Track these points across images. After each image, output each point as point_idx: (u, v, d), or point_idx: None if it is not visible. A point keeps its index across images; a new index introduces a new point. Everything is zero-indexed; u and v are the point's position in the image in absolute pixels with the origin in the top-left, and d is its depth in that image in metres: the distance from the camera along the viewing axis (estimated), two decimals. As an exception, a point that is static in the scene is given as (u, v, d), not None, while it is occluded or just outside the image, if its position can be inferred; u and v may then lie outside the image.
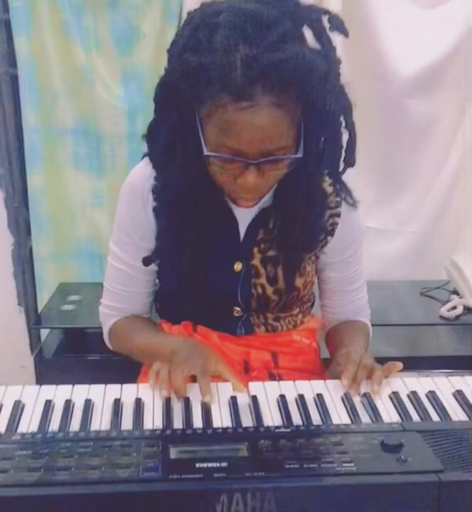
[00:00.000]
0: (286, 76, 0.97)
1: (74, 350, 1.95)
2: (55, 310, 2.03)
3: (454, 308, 1.96)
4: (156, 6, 2.11)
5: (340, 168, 1.16)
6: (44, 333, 2.19)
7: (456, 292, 2.05)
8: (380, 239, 2.31)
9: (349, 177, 1.22)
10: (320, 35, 1.04)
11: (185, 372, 1.10)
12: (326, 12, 1.06)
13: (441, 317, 1.95)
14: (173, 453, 0.89)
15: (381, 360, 1.19)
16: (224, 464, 0.86)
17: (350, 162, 1.15)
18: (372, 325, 1.44)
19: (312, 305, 1.45)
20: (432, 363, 1.76)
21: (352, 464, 0.86)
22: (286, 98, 0.99)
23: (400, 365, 1.17)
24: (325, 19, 1.05)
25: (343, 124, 1.11)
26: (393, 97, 2.16)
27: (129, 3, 2.11)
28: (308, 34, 1.05)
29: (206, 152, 1.05)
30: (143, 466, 0.85)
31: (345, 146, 1.13)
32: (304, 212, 1.21)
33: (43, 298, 2.35)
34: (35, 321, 2.35)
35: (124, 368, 1.35)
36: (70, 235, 2.38)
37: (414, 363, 1.68)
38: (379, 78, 2.15)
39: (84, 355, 1.90)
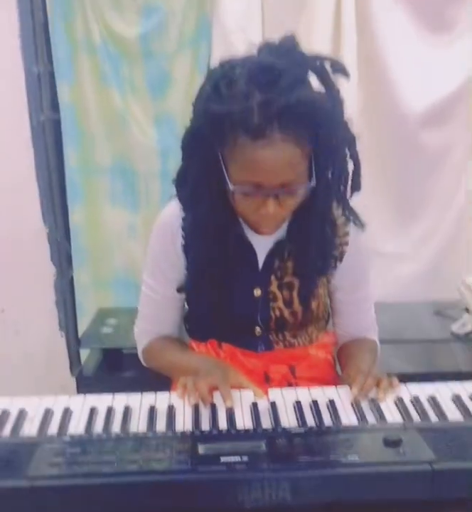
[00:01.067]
0: (298, 115, 1.09)
1: (112, 369, 2.03)
2: (94, 333, 2.12)
3: (465, 325, 2.00)
4: (186, 54, 2.23)
5: (348, 195, 1.26)
6: (84, 356, 2.29)
7: (467, 310, 2.07)
8: (397, 262, 2.35)
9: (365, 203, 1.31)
10: (324, 79, 1.15)
11: (209, 381, 1.19)
12: (328, 58, 1.17)
13: (453, 334, 1.99)
14: (201, 449, 0.97)
15: (397, 377, 1.25)
16: (245, 458, 0.95)
17: (356, 187, 1.25)
18: (387, 342, 1.50)
19: (327, 322, 1.51)
20: (445, 379, 1.80)
21: (356, 457, 0.95)
22: (298, 135, 1.10)
23: (395, 381, 1.23)
24: (328, 65, 1.16)
25: (348, 154, 1.22)
26: (407, 130, 2.25)
27: (161, 52, 2.23)
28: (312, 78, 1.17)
29: (231, 187, 1.16)
30: (175, 460, 0.94)
31: (351, 174, 1.23)
32: (315, 243, 1.30)
33: (83, 324, 2.43)
34: (75, 342, 2.44)
35: (158, 384, 1.38)
36: (107, 265, 2.48)
37: (427, 379, 1.76)
38: (394, 112, 2.24)
39: (122, 374, 1.99)
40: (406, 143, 2.27)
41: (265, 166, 1.11)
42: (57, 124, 2.34)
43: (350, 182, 1.24)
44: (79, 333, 2.47)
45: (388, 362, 1.53)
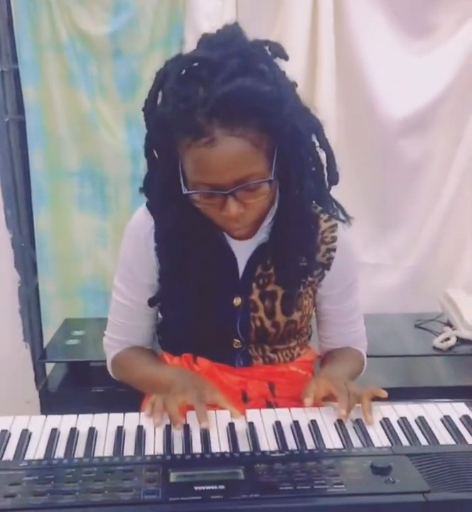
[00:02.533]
0: (237, 107, 1.05)
1: (78, 384, 1.96)
2: (60, 345, 2.06)
3: (447, 339, 1.98)
4: (157, 54, 2.18)
5: (326, 188, 1.22)
6: (49, 367, 2.21)
7: (449, 324, 2.07)
8: (376, 273, 2.34)
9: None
10: (266, 64, 1.11)
11: (180, 401, 1.13)
12: (267, 42, 1.13)
13: (435, 348, 1.97)
14: (173, 477, 0.91)
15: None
16: (221, 487, 0.88)
17: (333, 180, 1.21)
18: (369, 356, 1.45)
19: (309, 338, 1.47)
20: (427, 393, 1.78)
21: (343, 486, 0.89)
22: (245, 128, 1.06)
23: (384, 393, 1.19)
24: (267, 49, 1.13)
25: (318, 144, 1.18)
26: (386, 138, 2.23)
27: (132, 52, 2.19)
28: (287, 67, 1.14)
29: (184, 191, 1.13)
30: (144, 490, 0.88)
31: (325, 165, 1.19)
32: (295, 244, 1.25)
33: (49, 334, 2.37)
34: (40, 355, 2.38)
35: (127, 400, 1.37)
36: (75, 273, 2.42)
37: (409, 394, 1.72)
38: (373, 119, 2.22)
39: (88, 388, 1.92)
40: (385, 151, 2.26)
41: (212, 166, 1.07)
42: (22, 126, 2.30)
43: (325, 174, 1.21)
44: (45, 345, 2.41)
45: (367, 376, 1.46)
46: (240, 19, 2.10)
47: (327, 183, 1.22)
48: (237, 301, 1.31)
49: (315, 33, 2.15)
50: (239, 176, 1.08)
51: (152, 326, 1.42)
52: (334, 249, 1.31)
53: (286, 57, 1.15)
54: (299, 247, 1.26)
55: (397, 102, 2.20)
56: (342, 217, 1.29)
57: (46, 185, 2.32)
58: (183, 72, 1.10)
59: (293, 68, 2.10)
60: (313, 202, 1.27)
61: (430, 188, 2.32)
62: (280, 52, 1.14)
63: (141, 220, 1.31)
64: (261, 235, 1.29)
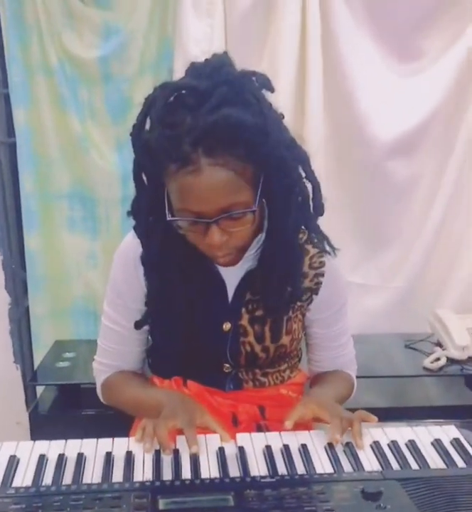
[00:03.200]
0: (222, 137, 1.05)
1: (69, 406, 1.96)
2: (50, 367, 2.05)
3: (438, 359, 1.97)
4: (147, 77, 2.18)
5: (312, 218, 1.21)
6: (39, 389, 2.21)
7: (439, 344, 2.06)
8: (365, 294, 2.33)
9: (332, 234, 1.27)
10: (252, 95, 1.10)
11: (170, 425, 1.12)
12: (254, 73, 1.14)
13: (425, 368, 1.96)
14: (162, 504, 0.91)
15: (369, 411, 1.20)
16: None
17: (318, 211, 1.21)
18: (359, 377, 1.45)
19: (299, 360, 1.47)
20: (417, 414, 1.79)
21: None
22: (230, 158, 1.06)
23: (374, 418, 1.18)
24: (254, 79, 1.13)
25: (303, 175, 1.17)
26: (374, 159, 2.23)
27: (122, 76, 2.18)
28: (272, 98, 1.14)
29: (168, 218, 1.13)
30: None
31: (311, 196, 1.19)
32: (280, 271, 1.25)
33: (39, 355, 2.35)
34: (31, 377, 2.37)
35: (118, 423, 1.37)
36: (65, 294, 2.40)
37: (400, 414, 1.72)
38: (360, 141, 2.22)
39: (79, 411, 1.92)
40: (373, 173, 2.26)
41: (196, 194, 1.07)
42: (12, 148, 2.28)
43: (311, 204, 1.21)
44: (35, 366, 2.39)
45: (357, 396, 1.46)
46: (229, 44, 2.14)
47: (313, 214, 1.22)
48: (227, 326, 1.31)
49: (304, 56, 2.15)
50: (223, 205, 1.09)
51: (142, 351, 1.41)
52: (322, 275, 1.32)
53: (271, 90, 1.15)
54: (285, 274, 1.26)
55: (386, 125, 2.20)
56: (327, 248, 1.28)
57: (37, 207, 2.31)
58: (171, 99, 1.10)
59: (282, 90, 2.10)
60: (303, 228, 1.26)
61: (418, 208, 2.32)
62: (267, 83, 1.14)
63: (130, 244, 1.30)
64: (250, 262, 1.29)
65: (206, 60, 1.14)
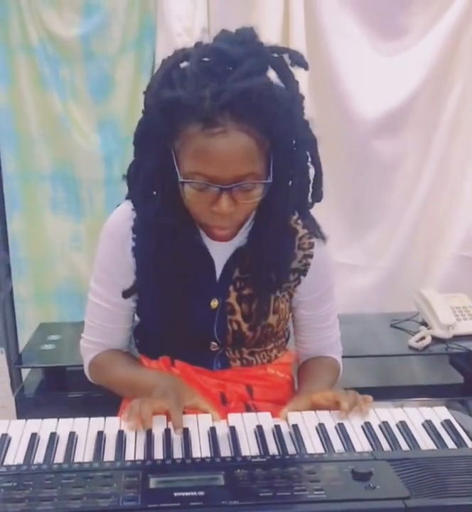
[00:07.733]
0: (252, 105, 1.05)
1: (55, 389, 1.94)
2: (35, 350, 2.03)
3: (423, 338, 1.98)
4: (129, 56, 2.18)
5: (308, 203, 1.22)
6: (25, 372, 2.19)
7: (424, 323, 2.07)
8: (351, 274, 2.34)
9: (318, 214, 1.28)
10: (282, 71, 1.12)
11: (157, 406, 1.12)
12: (287, 50, 1.14)
13: (410, 347, 1.96)
14: (153, 483, 0.90)
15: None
16: (201, 493, 0.88)
17: (317, 197, 1.21)
18: (345, 357, 1.46)
19: (287, 340, 1.47)
20: (403, 393, 1.80)
21: (323, 492, 0.88)
22: (254, 127, 1.07)
23: (369, 398, 1.20)
24: (286, 57, 1.13)
25: (309, 159, 1.17)
26: (359, 138, 2.24)
27: (103, 54, 2.17)
28: (272, 75, 1.13)
29: (181, 179, 1.11)
30: (123, 496, 0.87)
31: (312, 181, 1.19)
32: (271, 252, 1.25)
33: (24, 338, 2.34)
34: (16, 360, 2.35)
35: (104, 405, 1.35)
36: (49, 276, 2.40)
37: (386, 393, 1.73)
38: (345, 120, 2.23)
39: (65, 393, 1.90)
40: (358, 152, 2.26)
41: (217, 156, 1.07)
42: None
43: (310, 190, 1.20)
44: (20, 349, 2.37)
45: (344, 376, 1.46)
46: (212, 20, 2.12)
47: (310, 199, 1.22)
48: (214, 303, 1.30)
49: (287, 35, 2.15)
50: (239, 173, 1.09)
51: (129, 329, 1.40)
52: (311, 256, 1.32)
53: (305, 67, 1.15)
54: (275, 253, 1.26)
55: (369, 103, 2.21)
56: (317, 233, 1.29)
57: (18, 187, 2.29)
58: (206, 59, 1.09)
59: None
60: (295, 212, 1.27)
61: (403, 188, 2.33)
62: (300, 60, 1.14)
63: (118, 220, 1.29)
64: (239, 239, 1.28)
65: (237, 30, 1.13)
